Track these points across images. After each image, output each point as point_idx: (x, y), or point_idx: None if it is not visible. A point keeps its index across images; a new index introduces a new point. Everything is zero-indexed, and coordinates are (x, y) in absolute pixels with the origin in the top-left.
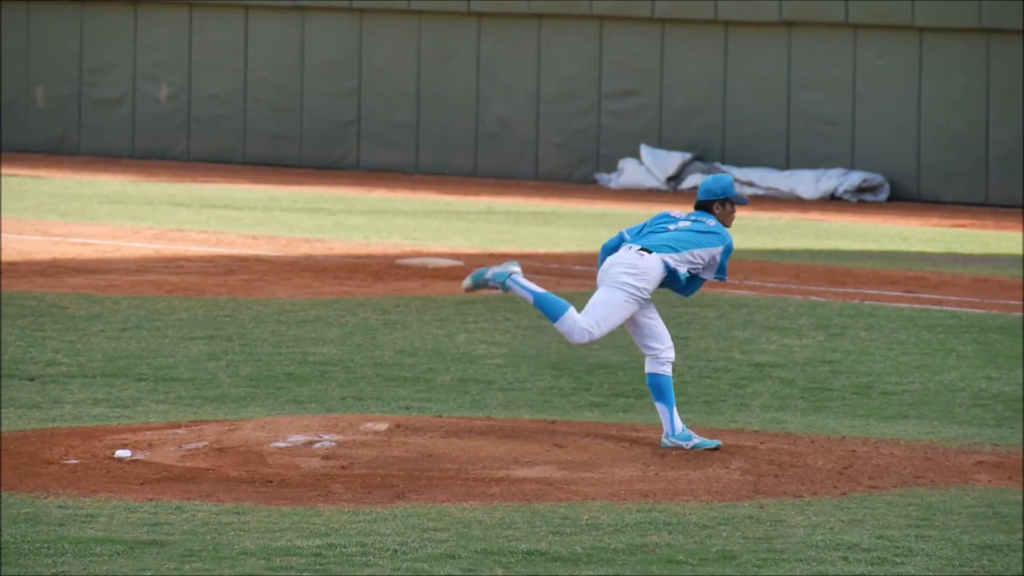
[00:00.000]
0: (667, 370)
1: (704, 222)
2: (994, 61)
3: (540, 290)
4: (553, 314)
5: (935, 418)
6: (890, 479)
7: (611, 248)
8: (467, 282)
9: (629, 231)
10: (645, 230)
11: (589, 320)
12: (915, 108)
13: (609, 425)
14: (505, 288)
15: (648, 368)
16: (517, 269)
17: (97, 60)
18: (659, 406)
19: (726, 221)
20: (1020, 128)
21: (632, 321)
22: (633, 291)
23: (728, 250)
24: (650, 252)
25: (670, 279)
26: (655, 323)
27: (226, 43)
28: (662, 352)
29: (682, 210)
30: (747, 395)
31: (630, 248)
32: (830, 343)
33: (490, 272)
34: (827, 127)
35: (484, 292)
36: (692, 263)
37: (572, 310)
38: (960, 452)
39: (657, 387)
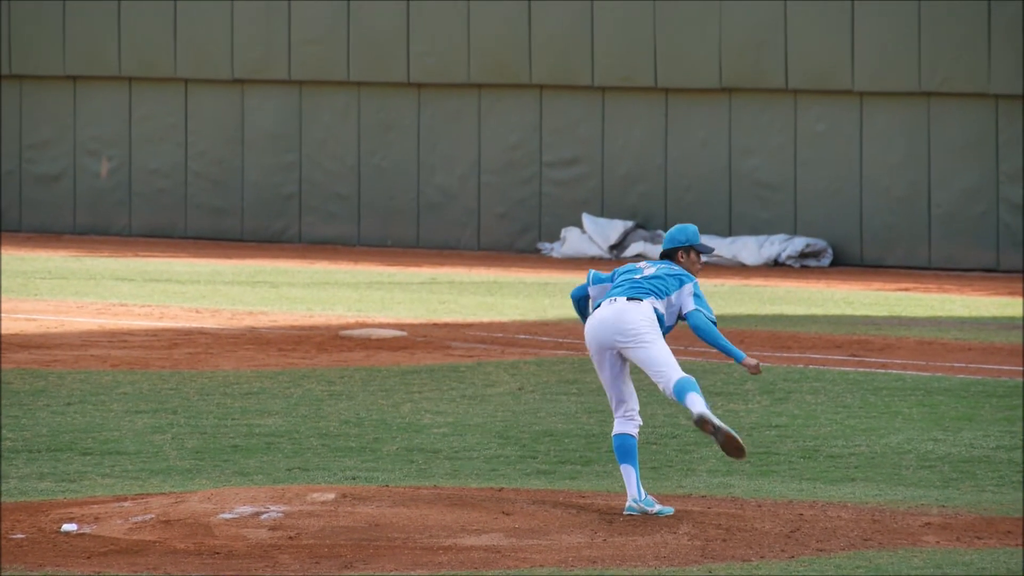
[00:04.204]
0: (636, 432)
1: (670, 267)
2: (934, 124)
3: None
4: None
5: (882, 480)
6: (838, 542)
7: (581, 298)
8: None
9: (596, 278)
10: (618, 278)
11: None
12: (856, 172)
13: (556, 492)
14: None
15: (618, 429)
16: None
17: (36, 136)
18: (625, 468)
19: (691, 269)
20: (961, 191)
21: (618, 375)
22: (657, 335)
23: (697, 291)
24: (640, 299)
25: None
26: (630, 383)
27: (166, 117)
28: (636, 413)
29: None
30: (694, 460)
31: (614, 301)
32: (776, 407)
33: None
34: (769, 193)
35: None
36: (671, 306)
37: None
38: (908, 514)
39: (625, 449)
